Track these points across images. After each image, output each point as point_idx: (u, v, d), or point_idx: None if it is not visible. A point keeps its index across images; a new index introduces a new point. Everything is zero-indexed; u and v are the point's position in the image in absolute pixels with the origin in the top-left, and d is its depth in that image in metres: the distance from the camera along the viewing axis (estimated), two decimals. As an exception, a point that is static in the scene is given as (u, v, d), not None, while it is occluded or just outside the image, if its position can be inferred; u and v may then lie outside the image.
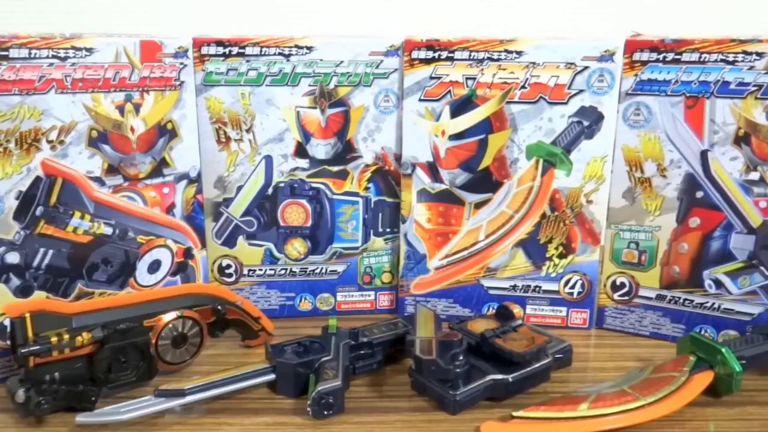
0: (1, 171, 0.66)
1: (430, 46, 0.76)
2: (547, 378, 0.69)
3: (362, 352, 0.70)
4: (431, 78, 0.76)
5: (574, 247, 0.80)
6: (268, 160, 0.80)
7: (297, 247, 0.83)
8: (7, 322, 0.63)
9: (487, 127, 0.77)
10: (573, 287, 0.81)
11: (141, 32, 0.74)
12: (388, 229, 0.84)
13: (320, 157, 0.81)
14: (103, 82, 0.69)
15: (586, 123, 0.75)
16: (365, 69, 0.78)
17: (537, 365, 0.67)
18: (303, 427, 0.62)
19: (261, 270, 0.84)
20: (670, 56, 0.72)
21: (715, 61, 0.70)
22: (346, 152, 0.81)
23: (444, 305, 0.83)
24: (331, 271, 0.85)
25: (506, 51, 0.74)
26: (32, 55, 0.65)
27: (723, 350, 0.64)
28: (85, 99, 0.69)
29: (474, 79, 0.76)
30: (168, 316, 0.68)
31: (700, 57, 0.71)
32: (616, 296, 0.81)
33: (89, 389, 0.63)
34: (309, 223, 0.83)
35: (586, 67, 0.74)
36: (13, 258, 0.68)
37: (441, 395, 0.63)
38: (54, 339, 0.61)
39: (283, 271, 0.84)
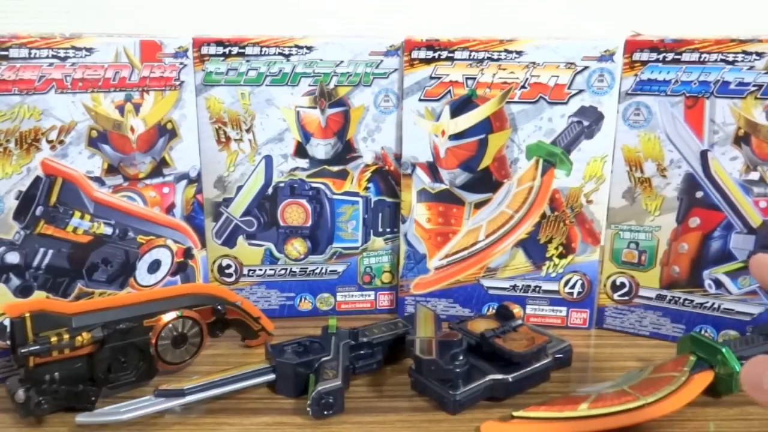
0: (1, 171, 0.66)
1: (430, 46, 0.76)
2: (547, 378, 0.69)
3: (362, 352, 0.70)
4: (431, 78, 0.76)
5: (574, 247, 0.80)
6: (268, 160, 0.80)
7: (297, 247, 0.83)
8: (7, 322, 0.63)
9: (487, 127, 0.77)
10: (573, 287, 0.81)
11: (141, 32, 0.74)
12: (388, 229, 0.84)
13: (320, 157, 0.81)
14: (103, 82, 0.69)
15: (586, 123, 0.75)
16: (365, 69, 0.78)
17: (537, 365, 0.67)
18: (303, 427, 0.62)
19: (261, 270, 0.84)
20: (670, 56, 0.72)
21: (715, 61, 0.70)
22: (346, 152, 0.81)
23: (444, 305, 0.83)
24: (331, 271, 0.85)
25: (506, 51, 0.74)
26: (32, 55, 0.65)
27: (723, 350, 0.64)
28: (85, 99, 0.69)
29: (474, 79, 0.76)
30: (168, 316, 0.68)
31: (700, 57, 0.71)
32: (616, 296, 0.81)
33: (89, 389, 0.63)
34: (309, 223, 0.83)
35: (586, 67, 0.74)
36: (13, 258, 0.68)
37: (441, 395, 0.63)
38: (54, 339, 0.61)
39: (283, 271, 0.84)
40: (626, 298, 0.80)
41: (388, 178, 0.82)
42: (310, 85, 0.78)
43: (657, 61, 0.72)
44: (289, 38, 0.76)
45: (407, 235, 0.82)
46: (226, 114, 0.78)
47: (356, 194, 0.82)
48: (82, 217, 0.71)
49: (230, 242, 0.83)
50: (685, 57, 0.71)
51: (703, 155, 0.73)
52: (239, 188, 0.81)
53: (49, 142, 0.67)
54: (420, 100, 0.77)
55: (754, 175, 0.72)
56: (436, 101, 0.77)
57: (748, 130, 0.71)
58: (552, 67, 0.74)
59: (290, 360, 0.66)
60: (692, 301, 0.77)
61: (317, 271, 0.85)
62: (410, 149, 0.79)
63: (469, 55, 0.75)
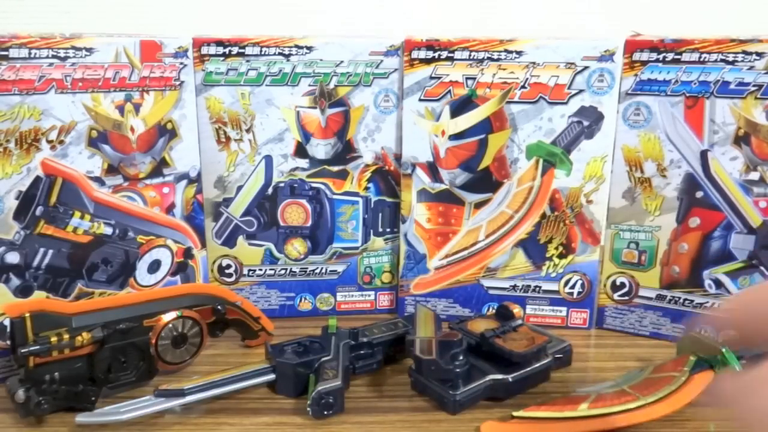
0: (1, 171, 0.66)
1: (430, 46, 0.76)
2: (547, 378, 0.69)
3: (362, 352, 0.70)
4: (431, 78, 0.76)
5: (574, 247, 0.80)
6: (268, 160, 0.80)
7: (297, 247, 0.83)
8: (7, 322, 0.63)
9: (487, 127, 0.77)
10: (573, 287, 0.81)
11: (141, 32, 0.74)
12: (388, 229, 0.84)
13: (320, 157, 0.81)
14: (103, 82, 0.69)
15: (586, 123, 0.75)
16: (365, 69, 0.78)
17: (537, 365, 0.67)
18: (303, 427, 0.62)
19: (261, 270, 0.84)
20: (670, 56, 0.72)
21: (715, 61, 0.70)
22: (346, 152, 0.81)
23: (444, 305, 0.83)
24: (331, 271, 0.85)
25: (506, 51, 0.74)
26: (32, 55, 0.65)
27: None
28: (85, 99, 0.69)
29: (474, 79, 0.76)
30: (168, 316, 0.68)
31: (700, 57, 0.71)
32: (616, 296, 0.81)
33: (89, 389, 0.63)
34: (309, 223, 0.83)
35: (586, 67, 0.74)
36: (13, 258, 0.68)
37: (441, 395, 0.63)
38: (54, 339, 0.61)
39: (283, 271, 0.84)
40: (626, 298, 0.80)
41: (388, 178, 0.82)
42: (310, 85, 0.78)
43: (657, 61, 0.72)
44: (289, 38, 0.76)
45: (407, 235, 0.82)
46: (226, 114, 0.78)
47: (356, 194, 0.82)
48: (82, 217, 0.71)
49: (230, 242, 0.83)
50: (685, 57, 0.71)
51: (703, 155, 0.73)
52: (239, 188, 0.81)
53: (49, 142, 0.67)
54: (420, 100, 0.77)
55: (754, 175, 0.72)
56: (436, 101, 0.77)
57: (748, 130, 0.71)
58: (552, 67, 0.74)
59: (290, 360, 0.66)
60: (692, 301, 0.77)
61: (317, 271, 0.85)
62: (410, 149, 0.79)
63: (469, 55, 0.75)
